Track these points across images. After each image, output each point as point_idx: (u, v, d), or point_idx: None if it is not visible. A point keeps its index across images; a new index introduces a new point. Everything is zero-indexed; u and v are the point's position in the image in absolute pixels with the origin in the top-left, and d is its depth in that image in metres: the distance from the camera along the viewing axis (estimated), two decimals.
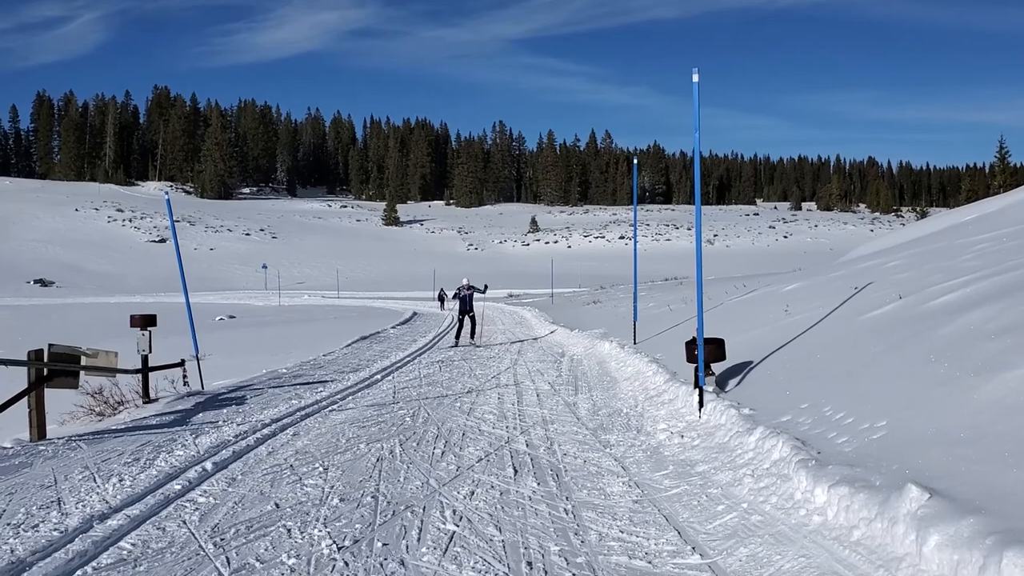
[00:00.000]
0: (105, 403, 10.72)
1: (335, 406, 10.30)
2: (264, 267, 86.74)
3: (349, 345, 20.30)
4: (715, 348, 8.13)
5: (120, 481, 6.11)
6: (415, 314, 38.74)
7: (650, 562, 4.38)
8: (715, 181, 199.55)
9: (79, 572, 4.32)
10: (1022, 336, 5.37)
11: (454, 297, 20.78)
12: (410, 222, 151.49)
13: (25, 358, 8.64)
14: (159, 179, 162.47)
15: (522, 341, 21.11)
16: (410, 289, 79.97)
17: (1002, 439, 4.22)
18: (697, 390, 7.65)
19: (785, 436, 5.33)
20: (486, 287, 20.79)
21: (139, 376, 11.38)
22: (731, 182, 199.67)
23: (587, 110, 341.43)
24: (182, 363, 12.27)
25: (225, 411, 9.99)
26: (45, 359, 8.94)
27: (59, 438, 8.20)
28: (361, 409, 10.01)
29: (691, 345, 8.05)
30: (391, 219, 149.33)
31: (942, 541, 3.36)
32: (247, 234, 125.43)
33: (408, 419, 9.22)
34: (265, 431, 8.38)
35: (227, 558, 4.51)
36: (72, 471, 6.56)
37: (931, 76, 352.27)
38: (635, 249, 16.20)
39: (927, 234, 20.50)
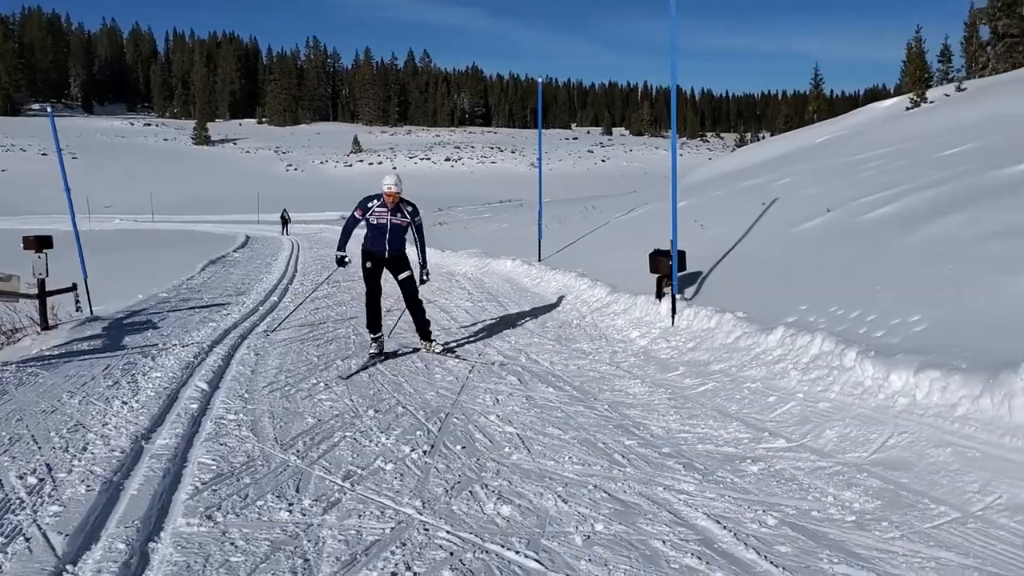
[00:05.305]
0: None
1: (261, 327, 9.99)
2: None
3: (204, 269, 19.46)
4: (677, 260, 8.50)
5: (124, 404, 5.75)
6: (248, 238, 37.13)
7: (737, 447, 4.65)
8: (532, 105, 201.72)
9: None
10: (1017, 241, 6.01)
11: (351, 220, 8.30)
12: (222, 141, 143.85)
13: None
14: None
15: None
16: (231, 212, 76.33)
17: None
18: (669, 298, 8.03)
19: (820, 332, 5.73)
20: (427, 274, 8.59)
21: (32, 302, 10.49)
22: (547, 107, 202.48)
23: (403, 29, 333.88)
24: (74, 287, 11.38)
25: (148, 334, 9.47)
26: None
27: (2, 365, 7.41)
28: (294, 328, 9.74)
29: (655, 256, 8.41)
30: (202, 138, 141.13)
31: None
32: (43, 154, 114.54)
33: (355, 337, 9.09)
34: (219, 351, 8.06)
35: (321, 467, 4.43)
36: (60, 396, 6.06)
37: (732, 6, 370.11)
38: (539, 169, 16.38)
39: (777, 156, 21.84)
